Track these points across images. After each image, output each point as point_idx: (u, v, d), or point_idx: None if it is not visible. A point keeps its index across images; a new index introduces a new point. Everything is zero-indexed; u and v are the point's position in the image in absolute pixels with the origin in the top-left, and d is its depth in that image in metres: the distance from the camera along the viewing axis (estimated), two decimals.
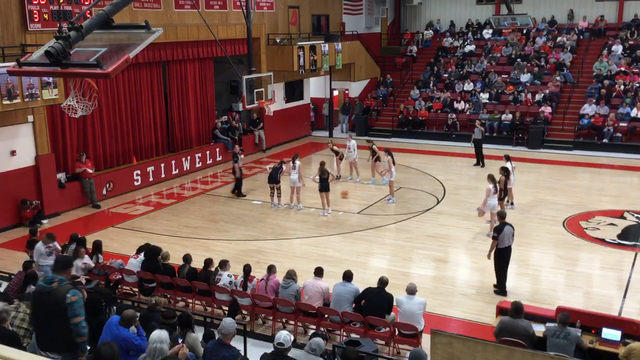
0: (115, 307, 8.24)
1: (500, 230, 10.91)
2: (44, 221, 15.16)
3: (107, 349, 5.67)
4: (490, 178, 14.07)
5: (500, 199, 14.68)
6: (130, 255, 11.30)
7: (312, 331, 9.61)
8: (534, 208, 15.92)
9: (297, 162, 16.12)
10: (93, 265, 10.72)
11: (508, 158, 15.98)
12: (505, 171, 14.78)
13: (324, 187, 15.69)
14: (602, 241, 13.66)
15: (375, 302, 9.08)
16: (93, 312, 7.67)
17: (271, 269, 9.95)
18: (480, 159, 20.59)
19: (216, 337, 7.08)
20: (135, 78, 18.43)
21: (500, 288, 11.05)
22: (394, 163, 16.56)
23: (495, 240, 10.93)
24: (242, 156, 17.94)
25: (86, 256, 10.65)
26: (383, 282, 9.25)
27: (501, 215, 11.47)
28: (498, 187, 14.09)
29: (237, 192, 17.55)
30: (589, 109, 23.55)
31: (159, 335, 5.97)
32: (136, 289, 10.98)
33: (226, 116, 22.84)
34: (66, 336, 5.55)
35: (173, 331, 6.97)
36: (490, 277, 11.78)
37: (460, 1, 30.99)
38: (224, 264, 10.33)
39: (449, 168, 20.80)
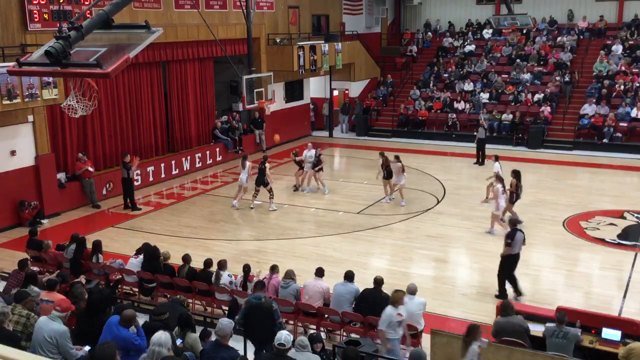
0: (113, 307, 8.22)
1: (512, 236, 10.64)
2: (44, 221, 15.16)
3: (105, 350, 5.67)
4: (498, 178, 14.01)
5: (512, 202, 14.45)
6: (130, 256, 11.30)
7: (312, 331, 9.64)
8: (534, 208, 15.91)
9: (247, 163, 16.21)
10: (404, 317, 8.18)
11: (497, 158, 16.05)
12: (516, 174, 14.52)
13: (389, 175, 16.39)
14: (602, 241, 13.66)
15: (372, 303, 9.06)
16: (94, 312, 7.67)
17: (274, 269, 9.96)
18: (481, 157, 20.73)
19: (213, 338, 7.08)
20: (135, 78, 18.43)
21: (501, 292, 10.87)
22: (403, 170, 16.26)
23: (509, 247, 10.64)
24: (135, 167, 16.51)
25: (401, 306, 8.12)
26: (378, 281, 9.23)
27: (513, 222, 11.09)
28: (506, 188, 13.99)
29: (131, 205, 16.35)
30: (589, 109, 23.54)
31: (159, 338, 5.96)
32: (136, 289, 10.99)
33: (226, 116, 22.84)
34: (269, 332, 7.48)
35: (166, 328, 6.90)
36: (490, 276, 11.78)
37: (460, 1, 30.98)
38: (223, 264, 10.33)
39: (449, 168, 20.80)
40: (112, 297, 9.06)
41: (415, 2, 31.27)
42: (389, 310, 8.03)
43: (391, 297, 8.12)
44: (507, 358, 7.34)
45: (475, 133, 21.67)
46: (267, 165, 16.16)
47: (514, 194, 14.47)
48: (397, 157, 16.35)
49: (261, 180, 16.09)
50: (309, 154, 17.67)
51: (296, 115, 25.76)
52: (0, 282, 10.89)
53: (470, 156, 21.35)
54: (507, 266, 10.85)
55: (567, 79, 25.18)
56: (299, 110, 26.08)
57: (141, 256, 10.88)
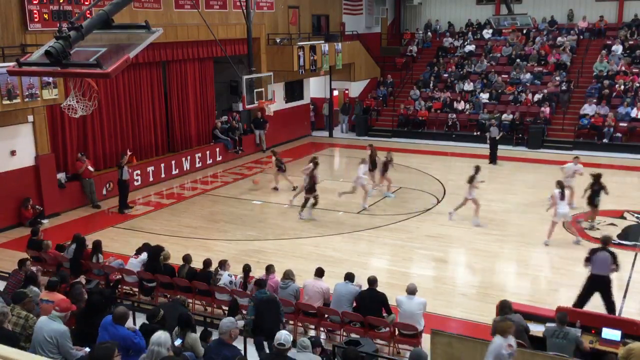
0: (113, 307, 8.22)
1: (591, 253, 9.95)
2: (44, 221, 15.15)
3: (104, 349, 5.67)
4: (558, 183, 13.60)
5: (594, 206, 14.02)
6: (131, 255, 11.29)
7: (312, 332, 9.65)
8: (534, 208, 15.87)
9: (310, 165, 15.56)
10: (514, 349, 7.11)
11: (577, 159, 15.84)
12: (593, 177, 14.04)
13: (374, 167, 17.01)
14: None
15: (368, 304, 9.07)
16: (94, 312, 7.66)
17: (269, 269, 9.95)
18: (493, 157, 20.79)
19: (214, 338, 7.09)
20: (135, 78, 18.43)
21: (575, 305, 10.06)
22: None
23: (587, 263, 9.94)
24: (127, 167, 16.32)
25: (511, 337, 7.08)
26: (372, 281, 9.21)
27: (602, 240, 10.18)
28: (565, 193, 13.46)
29: (124, 205, 16.21)
30: (589, 109, 23.54)
31: (159, 337, 5.96)
32: (136, 289, 10.99)
33: (226, 116, 22.84)
34: (275, 322, 8.26)
35: (163, 329, 6.88)
36: (490, 276, 11.81)
37: (460, 1, 30.98)
38: (222, 264, 10.33)
39: (449, 168, 20.80)
40: (112, 297, 9.04)
41: (415, 2, 31.28)
42: (498, 340, 6.93)
43: (498, 327, 7.10)
44: None
45: (476, 133, 21.69)
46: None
47: (590, 199, 13.98)
48: (477, 168, 15.25)
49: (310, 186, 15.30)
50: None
51: (296, 115, 25.76)
52: (0, 282, 10.88)
53: (471, 156, 21.33)
54: (586, 284, 9.98)
55: (564, 87, 25.02)
56: (299, 110, 26.08)
57: (141, 256, 10.87)
